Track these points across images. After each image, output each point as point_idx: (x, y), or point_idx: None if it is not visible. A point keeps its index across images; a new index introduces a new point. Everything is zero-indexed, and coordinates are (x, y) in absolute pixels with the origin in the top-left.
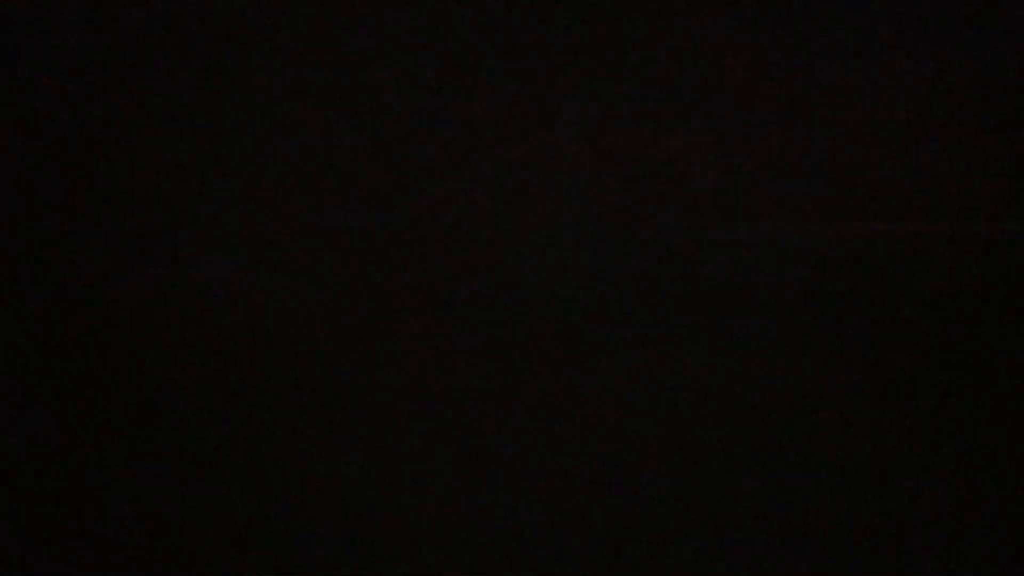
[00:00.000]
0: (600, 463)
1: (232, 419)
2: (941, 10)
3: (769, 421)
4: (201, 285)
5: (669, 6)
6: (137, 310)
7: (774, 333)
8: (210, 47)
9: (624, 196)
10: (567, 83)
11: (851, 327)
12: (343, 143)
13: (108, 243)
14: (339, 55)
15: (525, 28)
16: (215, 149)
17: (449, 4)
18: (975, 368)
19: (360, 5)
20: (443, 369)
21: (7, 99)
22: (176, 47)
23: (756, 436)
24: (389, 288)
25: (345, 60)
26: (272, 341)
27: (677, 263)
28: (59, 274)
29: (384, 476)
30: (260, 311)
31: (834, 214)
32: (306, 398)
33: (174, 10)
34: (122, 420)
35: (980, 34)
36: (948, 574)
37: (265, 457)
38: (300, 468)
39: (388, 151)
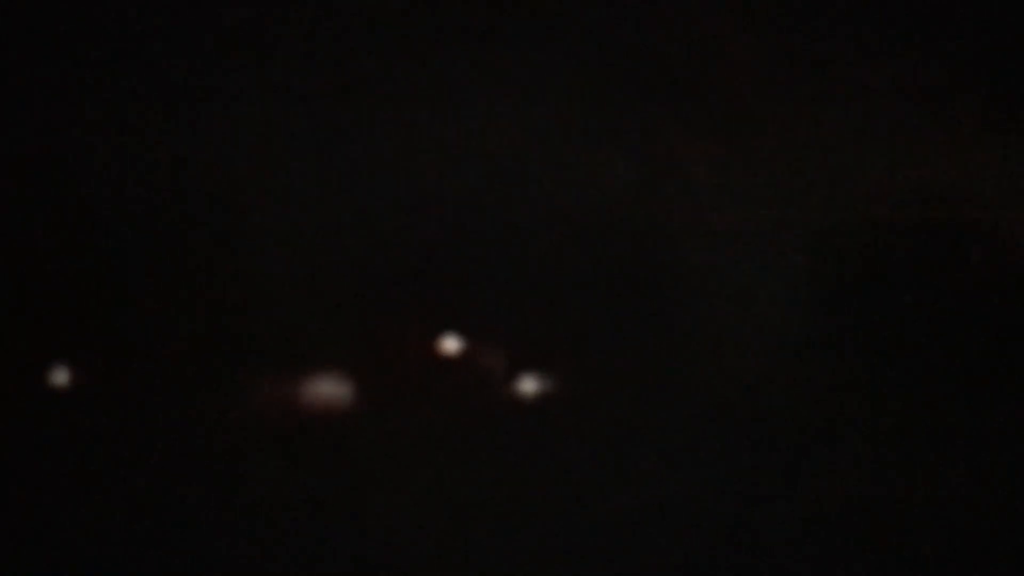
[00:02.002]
0: (599, 458)
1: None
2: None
3: (768, 414)
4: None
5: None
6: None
7: (772, 325)
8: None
9: (621, 187)
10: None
11: (854, 318)
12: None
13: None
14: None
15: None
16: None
17: None
18: (976, 359)
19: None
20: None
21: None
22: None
23: (755, 429)
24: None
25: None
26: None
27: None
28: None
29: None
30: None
31: (833, 204)
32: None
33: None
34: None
35: (975, 25)
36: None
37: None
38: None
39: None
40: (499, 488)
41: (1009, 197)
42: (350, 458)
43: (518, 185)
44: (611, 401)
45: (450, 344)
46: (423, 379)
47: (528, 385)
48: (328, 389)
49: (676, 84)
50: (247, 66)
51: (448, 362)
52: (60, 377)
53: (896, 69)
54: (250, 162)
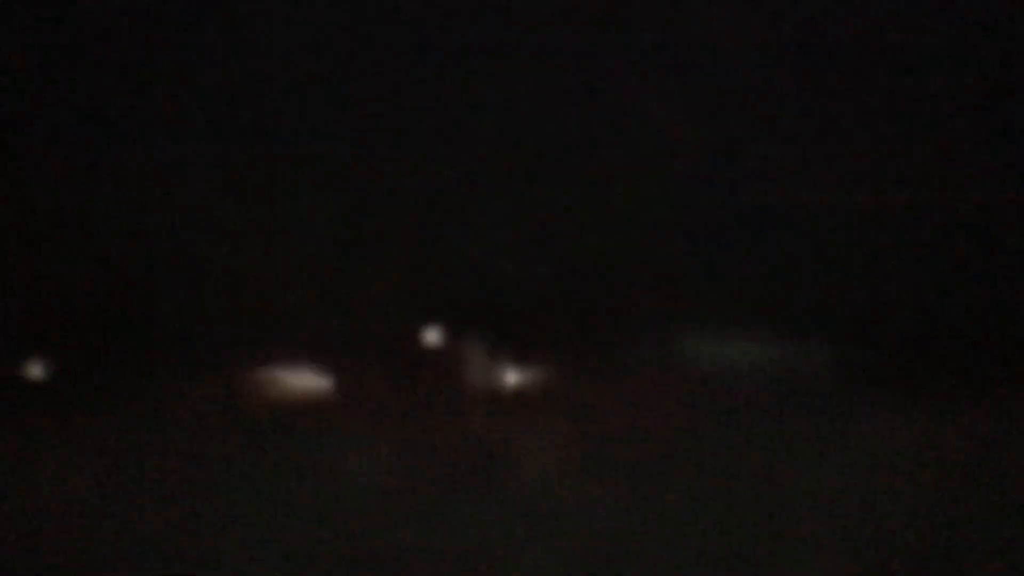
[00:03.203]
0: (620, 446)
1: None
2: None
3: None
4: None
5: None
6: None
7: (772, 303)
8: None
9: (627, 169)
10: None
11: (848, 298)
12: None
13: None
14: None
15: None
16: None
17: None
18: (974, 342)
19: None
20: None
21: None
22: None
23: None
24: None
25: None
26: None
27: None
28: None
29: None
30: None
31: (831, 183)
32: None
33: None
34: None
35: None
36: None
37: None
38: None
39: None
40: (483, 477)
41: (996, 181)
42: (330, 446)
43: (511, 179)
44: (599, 389)
45: (432, 335)
46: (404, 369)
47: (511, 375)
48: (310, 380)
49: (672, 72)
50: (241, 64)
51: (430, 352)
52: (49, 368)
53: (887, 57)
54: (240, 157)
